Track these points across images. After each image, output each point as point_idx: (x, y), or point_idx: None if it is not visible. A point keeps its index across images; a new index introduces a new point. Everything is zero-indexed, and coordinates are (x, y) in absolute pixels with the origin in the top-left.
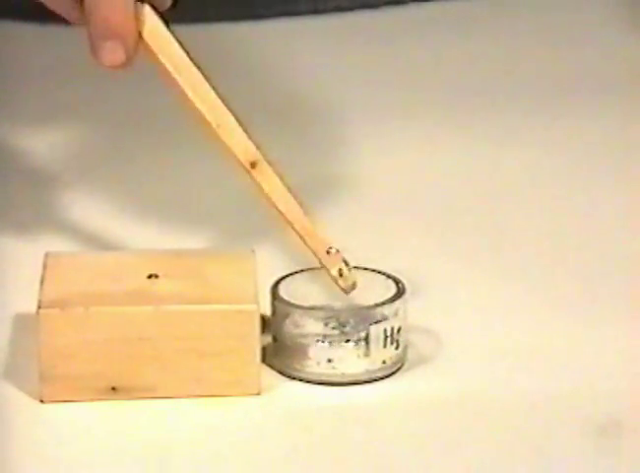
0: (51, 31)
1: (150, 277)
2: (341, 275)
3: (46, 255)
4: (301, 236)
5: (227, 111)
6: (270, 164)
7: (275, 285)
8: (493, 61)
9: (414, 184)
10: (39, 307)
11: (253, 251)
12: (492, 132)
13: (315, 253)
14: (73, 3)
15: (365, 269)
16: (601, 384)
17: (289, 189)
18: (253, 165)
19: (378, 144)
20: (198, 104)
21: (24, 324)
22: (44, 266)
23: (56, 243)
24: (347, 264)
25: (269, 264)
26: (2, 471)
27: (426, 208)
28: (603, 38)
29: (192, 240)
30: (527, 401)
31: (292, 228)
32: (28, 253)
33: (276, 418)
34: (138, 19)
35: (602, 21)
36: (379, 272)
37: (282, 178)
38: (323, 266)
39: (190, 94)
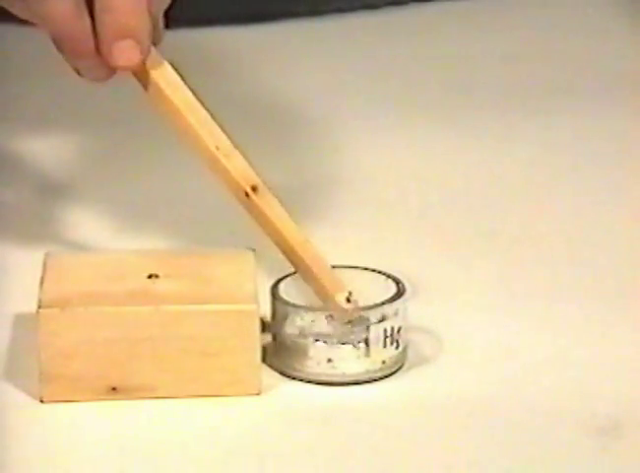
0: None
1: (150, 277)
2: (349, 301)
3: (46, 255)
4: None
5: (224, 135)
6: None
7: (275, 285)
8: (494, 61)
9: (414, 184)
10: (39, 307)
11: (253, 251)
12: (493, 132)
13: (317, 279)
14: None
15: (365, 269)
16: (601, 385)
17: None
18: (254, 188)
19: (378, 144)
20: (197, 129)
21: (24, 324)
22: (44, 266)
23: (56, 243)
24: (349, 298)
25: (269, 264)
26: (2, 471)
27: (427, 208)
28: (603, 37)
29: (192, 240)
30: (527, 401)
31: (292, 252)
32: (28, 253)
33: (276, 418)
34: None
35: (602, 20)
36: (379, 272)
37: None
38: (322, 293)
39: (190, 119)
